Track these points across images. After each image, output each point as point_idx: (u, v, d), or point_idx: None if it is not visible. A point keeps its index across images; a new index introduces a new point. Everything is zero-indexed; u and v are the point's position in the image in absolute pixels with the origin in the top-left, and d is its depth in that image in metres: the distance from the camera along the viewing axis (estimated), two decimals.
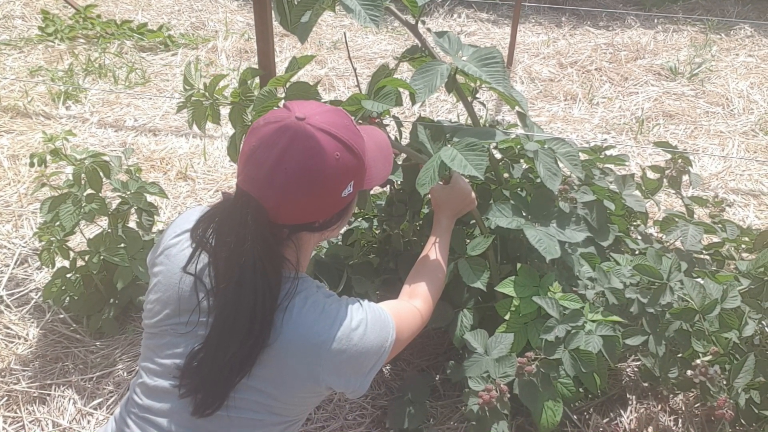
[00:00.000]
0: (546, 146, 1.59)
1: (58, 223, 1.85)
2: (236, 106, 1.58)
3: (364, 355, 1.05)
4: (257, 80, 1.84)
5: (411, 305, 1.27)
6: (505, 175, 1.78)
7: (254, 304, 0.98)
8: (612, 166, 1.99)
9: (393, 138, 1.58)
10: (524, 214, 1.60)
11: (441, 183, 1.46)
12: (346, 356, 1.03)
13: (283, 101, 1.52)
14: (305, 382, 1.03)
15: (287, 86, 1.50)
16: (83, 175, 1.87)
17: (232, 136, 1.61)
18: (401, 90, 1.44)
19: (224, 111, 1.64)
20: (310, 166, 0.99)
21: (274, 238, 1.02)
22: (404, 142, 1.63)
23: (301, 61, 1.53)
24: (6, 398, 1.83)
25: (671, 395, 1.82)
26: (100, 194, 1.91)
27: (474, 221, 1.67)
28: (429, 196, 1.69)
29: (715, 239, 2.05)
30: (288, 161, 0.98)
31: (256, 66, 1.86)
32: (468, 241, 1.67)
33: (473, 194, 1.47)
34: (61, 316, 2.10)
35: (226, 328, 0.99)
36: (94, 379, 1.89)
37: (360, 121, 1.47)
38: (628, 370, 1.90)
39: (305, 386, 1.04)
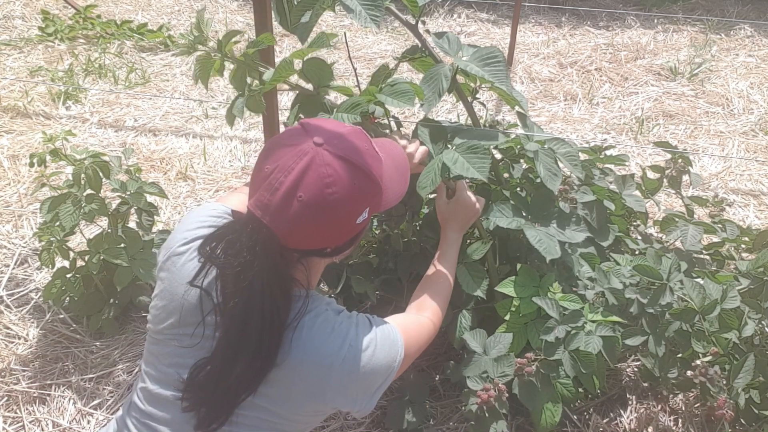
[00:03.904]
0: (546, 146, 1.59)
1: (58, 223, 1.84)
2: (241, 65, 1.53)
3: (373, 374, 1.04)
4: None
5: (421, 317, 1.26)
6: (505, 175, 1.78)
7: (262, 326, 0.97)
8: (612, 166, 1.99)
9: None
10: (524, 214, 1.60)
11: (446, 199, 1.46)
12: (355, 377, 1.02)
13: (295, 75, 1.50)
14: (311, 401, 1.02)
15: (305, 60, 1.47)
16: (83, 176, 1.87)
17: (233, 101, 1.56)
18: None
19: (221, 110, 1.61)
20: (326, 196, 0.96)
21: (284, 261, 1.00)
22: None
23: (329, 37, 1.50)
24: (6, 398, 1.83)
25: (671, 395, 1.82)
26: (100, 194, 1.91)
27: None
28: (431, 196, 1.70)
29: (715, 239, 2.05)
30: (303, 189, 0.95)
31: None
32: (469, 241, 1.68)
33: (478, 204, 1.47)
34: (61, 316, 2.10)
35: (233, 347, 0.97)
36: (94, 379, 1.89)
37: (359, 121, 1.46)
38: (628, 370, 1.90)
39: (311, 405, 1.03)
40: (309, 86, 1.56)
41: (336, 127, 1.03)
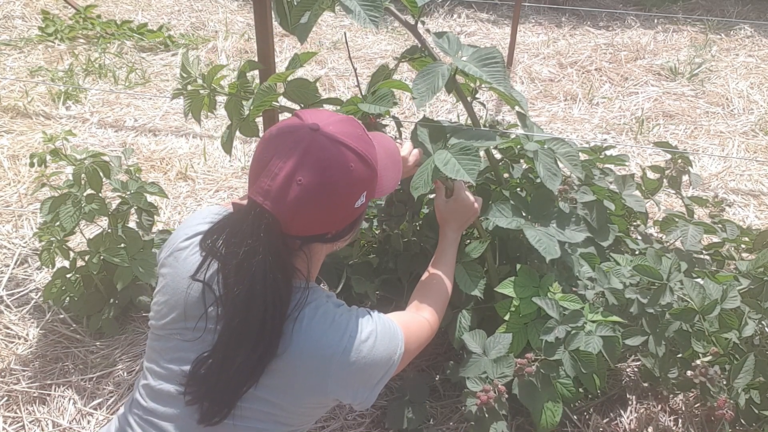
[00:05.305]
0: (546, 146, 1.59)
1: (58, 223, 1.85)
2: (233, 97, 1.57)
3: (373, 367, 1.05)
4: (257, 79, 1.84)
5: (419, 316, 1.27)
6: (505, 175, 1.78)
7: (264, 315, 0.97)
8: (612, 166, 1.99)
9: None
10: (524, 214, 1.60)
11: (444, 198, 1.46)
12: (355, 368, 1.02)
13: (282, 97, 1.52)
14: (313, 393, 1.03)
15: (286, 82, 1.50)
16: (83, 176, 1.87)
17: (227, 128, 1.60)
18: (403, 91, 1.44)
19: (221, 110, 1.63)
20: (324, 179, 0.98)
21: (286, 249, 1.01)
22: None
23: (303, 58, 1.53)
24: (6, 398, 1.83)
25: (671, 395, 1.82)
26: (100, 194, 1.91)
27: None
28: (430, 196, 1.70)
29: (715, 239, 2.05)
30: (302, 174, 0.97)
31: None
32: (468, 241, 1.67)
33: (476, 204, 1.47)
34: (61, 316, 2.10)
35: (234, 337, 0.98)
36: (94, 379, 1.89)
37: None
38: (628, 370, 1.90)
39: (312, 397, 1.03)
40: (296, 106, 1.58)
41: (330, 115, 1.06)
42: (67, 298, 2.09)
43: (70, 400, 1.83)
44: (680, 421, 1.76)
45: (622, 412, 1.78)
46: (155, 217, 2.03)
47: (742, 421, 1.62)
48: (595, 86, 3.87)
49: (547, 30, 4.72)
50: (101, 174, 1.88)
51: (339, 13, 4.73)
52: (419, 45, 1.52)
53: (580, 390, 1.65)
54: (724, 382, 1.56)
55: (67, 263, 2.01)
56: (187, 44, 4.28)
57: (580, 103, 3.69)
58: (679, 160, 2.01)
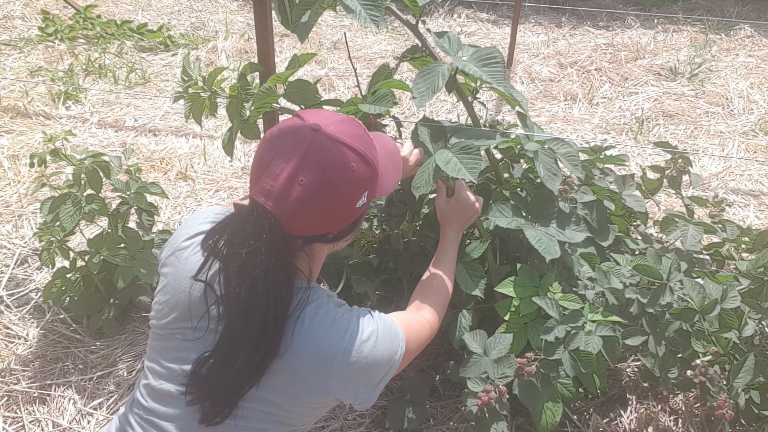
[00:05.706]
0: (546, 146, 1.59)
1: (58, 223, 1.84)
2: (234, 99, 1.57)
3: (374, 366, 1.05)
4: (257, 79, 1.84)
5: (420, 316, 1.27)
6: (505, 175, 1.78)
7: (265, 315, 0.97)
8: (612, 166, 1.99)
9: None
10: (524, 214, 1.60)
11: (445, 198, 1.46)
12: (356, 368, 1.02)
13: (282, 98, 1.53)
14: (314, 392, 1.03)
15: (287, 83, 1.50)
16: (83, 176, 1.87)
17: (228, 131, 1.60)
18: (403, 91, 1.44)
19: (222, 109, 1.63)
20: (326, 179, 0.98)
21: (288, 249, 1.01)
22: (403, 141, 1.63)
23: (302, 59, 1.53)
24: (6, 398, 1.83)
25: (671, 395, 1.82)
26: (100, 194, 1.91)
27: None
28: (431, 196, 1.70)
29: (715, 239, 2.05)
30: (304, 174, 0.97)
31: None
32: (468, 241, 1.68)
33: (477, 204, 1.47)
34: (61, 316, 2.10)
35: (236, 337, 0.98)
36: (94, 379, 1.89)
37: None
38: (628, 370, 1.90)
39: (313, 397, 1.03)
40: (296, 107, 1.58)
41: (331, 115, 1.06)
42: (67, 298, 2.09)
43: (70, 400, 1.83)
44: (680, 421, 1.76)
45: (622, 412, 1.78)
46: (155, 217, 2.03)
47: (742, 421, 1.62)
48: (595, 86, 3.87)
49: (547, 30, 4.72)
50: (101, 174, 1.88)
51: (339, 13, 4.73)
52: (420, 44, 1.52)
53: (580, 390, 1.65)
54: (724, 382, 1.56)
55: (67, 263, 2.01)
56: (187, 44, 4.28)
57: (580, 103, 3.69)
58: (679, 160, 2.01)
